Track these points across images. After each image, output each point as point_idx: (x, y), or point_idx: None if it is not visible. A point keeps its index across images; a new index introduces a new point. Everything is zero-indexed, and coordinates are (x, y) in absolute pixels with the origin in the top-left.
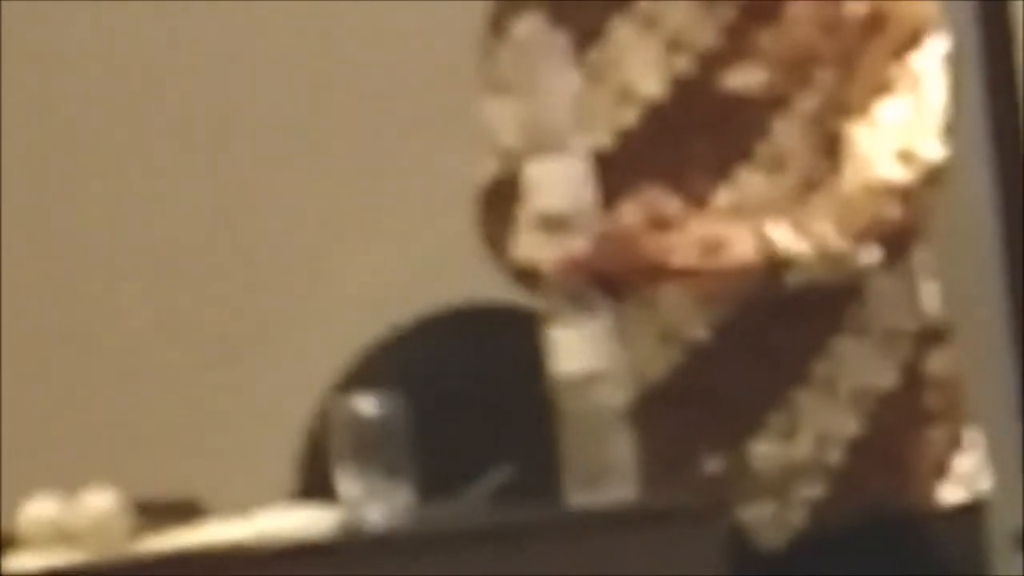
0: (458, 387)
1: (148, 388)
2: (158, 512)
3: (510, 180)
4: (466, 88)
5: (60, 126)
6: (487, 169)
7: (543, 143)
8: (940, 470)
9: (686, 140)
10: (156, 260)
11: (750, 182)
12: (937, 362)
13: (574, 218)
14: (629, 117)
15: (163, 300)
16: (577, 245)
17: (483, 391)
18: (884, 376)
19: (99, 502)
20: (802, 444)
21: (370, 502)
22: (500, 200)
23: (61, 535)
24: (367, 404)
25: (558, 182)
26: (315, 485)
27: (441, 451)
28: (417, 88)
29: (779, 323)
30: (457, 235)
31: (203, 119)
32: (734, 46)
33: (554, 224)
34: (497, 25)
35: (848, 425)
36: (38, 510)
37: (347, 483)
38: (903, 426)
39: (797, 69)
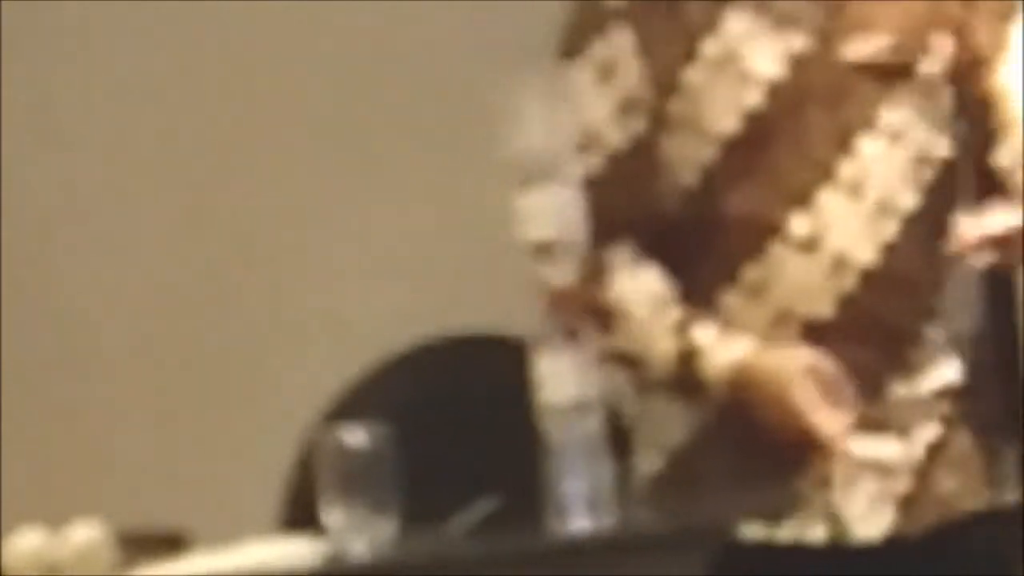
0: (443, 417)
1: (133, 420)
2: (143, 544)
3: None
4: (462, 120)
5: (52, 163)
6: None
7: (535, 173)
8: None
9: (808, 113)
10: (143, 293)
11: (871, 153)
12: None
13: (562, 248)
14: (753, 99)
15: (149, 332)
16: (566, 277)
17: (468, 421)
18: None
19: (84, 534)
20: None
21: (355, 533)
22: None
23: (46, 567)
24: (353, 435)
25: (548, 212)
26: (302, 516)
27: (427, 481)
28: (413, 121)
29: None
30: (445, 266)
31: (193, 147)
32: (846, 19)
33: (544, 254)
34: (574, 44)
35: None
36: (24, 543)
37: (333, 514)
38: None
39: (916, 37)
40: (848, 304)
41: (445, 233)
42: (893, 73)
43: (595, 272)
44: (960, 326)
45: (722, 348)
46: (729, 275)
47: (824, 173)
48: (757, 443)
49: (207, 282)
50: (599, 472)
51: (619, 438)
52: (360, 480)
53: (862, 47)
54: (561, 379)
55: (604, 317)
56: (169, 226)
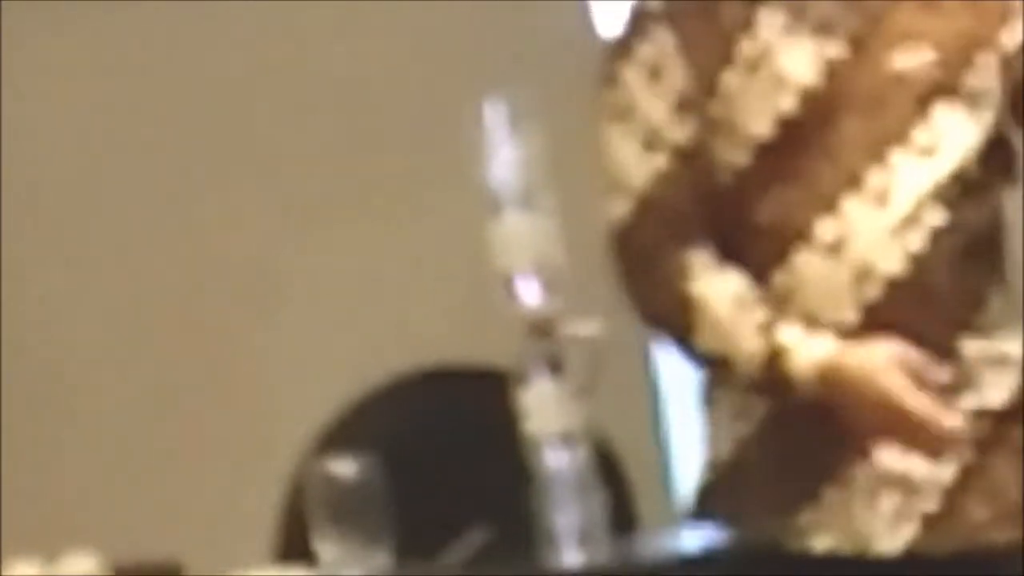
0: (433, 449)
1: (125, 452)
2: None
3: (645, 227)
4: (441, 152)
5: (42, 209)
6: (620, 210)
7: (507, 202)
8: None
9: (842, 121)
10: (135, 327)
11: (904, 165)
12: None
13: (544, 275)
14: (788, 104)
15: (141, 367)
16: (543, 305)
17: (458, 453)
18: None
19: (79, 565)
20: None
21: (348, 564)
22: (641, 252)
23: None
24: (344, 467)
25: (523, 241)
26: (295, 548)
27: (417, 513)
28: (392, 155)
29: None
30: (432, 297)
31: (176, 184)
32: (887, 29)
33: (520, 282)
34: (622, 49)
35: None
36: (19, 573)
37: (325, 545)
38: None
39: (960, 52)
40: (873, 312)
41: (431, 264)
42: (935, 87)
43: (679, 272)
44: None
45: (809, 346)
46: (760, 281)
47: (852, 181)
48: (796, 460)
49: (196, 317)
50: (589, 503)
51: (610, 467)
52: (351, 511)
53: (905, 58)
54: (546, 410)
55: (688, 316)
56: (157, 263)
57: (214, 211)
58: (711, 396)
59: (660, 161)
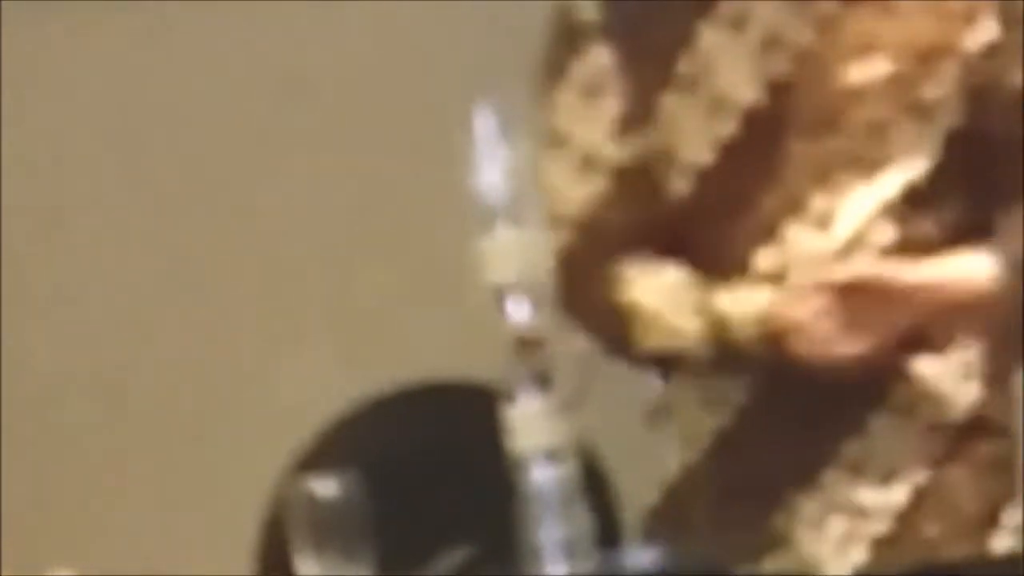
0: (417, 466)
1: (105, 475)
2: None
3: (586, 252)
4: (426, 162)
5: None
6: (559, 239)
7: (494, 215)
8: (993, 520)
9: (786, 143)
10: (115, 347)
11: (850, 186)
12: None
13: (529, 290)
14: (726, 127)
15: (121, 384)
16: (530, 320)
17: (441, 470)
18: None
19: None
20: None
21: None
22: (585, 277)
23: None
24: (324, 486)
25: (511, 255)
26: (275, 568)
27: (401, 531)
28: (378, 165)
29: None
30: (413, 313)
31: (157, 204)
32: (840, 39)
33: (507, 297)
34: (554, 68)
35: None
36: None
37: (305, 566)
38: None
39: (919, 61)
40: None
41: (415, 280)
42: (890, 102)
43: (613, 286)
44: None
45: (743, 305)
46: None
47: (794, 207)
48: (743, 486)
49: (175, 336)
50: (575, 518)
51: (598, 483)
52: (332, 530)
53: (860, 71)
54: (532, 425)
55: (627, 325)
56: (136, 278)
57: (195, 225)
58: (661, 417)
59: (597, 184)
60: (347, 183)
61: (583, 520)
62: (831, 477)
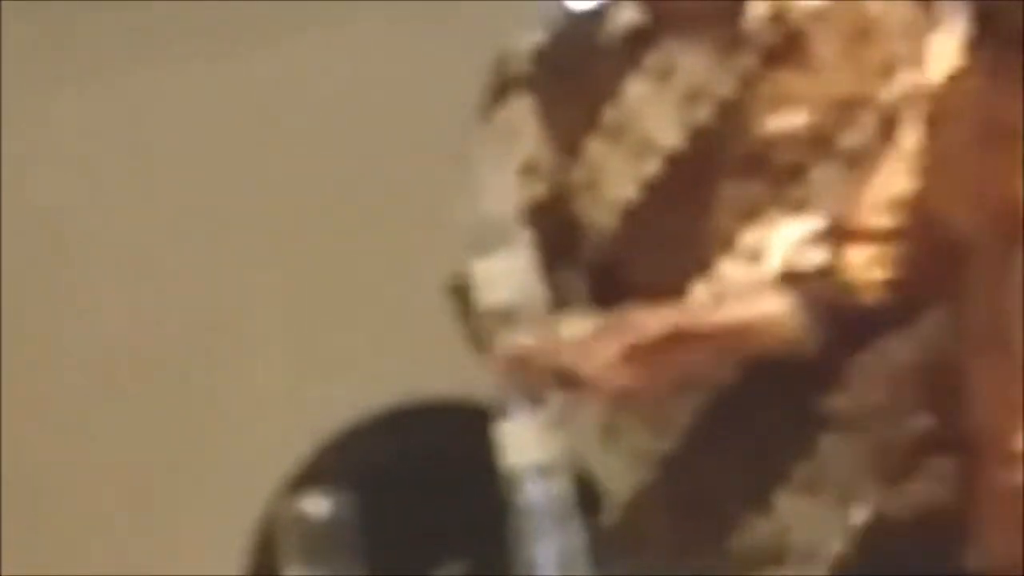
0: (408, 484)
1: (97, 490)
2: None
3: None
4: (418, 185)
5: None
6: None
7: (486, 239)
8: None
9: (712, 183)
10: (106, 363)
11: (778, 222)
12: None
13: (521, 312)
14: (651, 167)
15: (112, 405)
16: (525, 341)
17: (433, 487)
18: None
19: None
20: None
21: None
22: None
23: None
24: (315, 504)
25: (503, 277)
26: None
27: (392, 549)
28: (372, 187)
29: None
30: (406, 332)
31: (148, 231)
32: (761, 92)
33: (502, 319)
34: (483, 116)
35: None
36: None
37: None
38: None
39: (837, 113)
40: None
41: (405, 298)
42: (809, 150)
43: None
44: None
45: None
46: None
47: (725, 243)
48: (695, 501)
49: (167, 354)
50: (568, 535)
51: (591, 499)
52: (323, 549)
53: (778, 122)
54: (525, 442)
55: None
56: (133, 298)
57: (193, 244)
58: (609, 436)
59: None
60: (341, 204)
61: (576, 536)
62: (783, 499)
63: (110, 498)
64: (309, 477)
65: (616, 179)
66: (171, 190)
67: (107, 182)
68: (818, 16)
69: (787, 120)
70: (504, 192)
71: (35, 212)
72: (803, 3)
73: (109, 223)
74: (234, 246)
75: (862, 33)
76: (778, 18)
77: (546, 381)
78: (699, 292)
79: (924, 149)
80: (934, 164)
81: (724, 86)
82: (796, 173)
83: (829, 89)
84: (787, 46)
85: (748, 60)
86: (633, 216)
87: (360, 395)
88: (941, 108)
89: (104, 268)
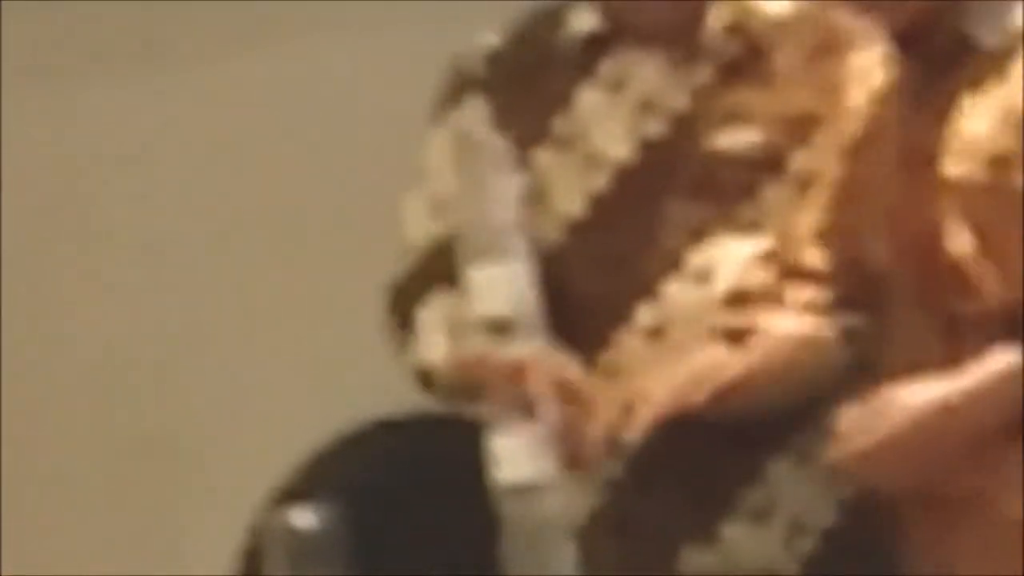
0: (396, 497)
1: (80, 504)
2: None
3: (419, 275)
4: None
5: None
6: (404, 267)
7: (483, 248)
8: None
9: (661, 202)
10: (89, 380)
11: (726, 243)
12: None
13: (517, 322)
14: (599, 182)
15: (97, 418)
16: (521, 351)
17: (423, 501)
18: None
19: None
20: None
21: None
22: (403, 304)
23: None
24: (303, 517)
25: (500, 287)
26: None
27: (380, 563)
28: (366, 190)
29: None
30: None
31: (135, 240)
32: (715, 107)
33: (497, 329)
34: (437, 115)
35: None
36: None
37: None
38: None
39: (791, 132)
40: None
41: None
42: (760, 168)
43: None
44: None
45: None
46: (586, 357)
47: (673, 264)
48: (641, 529)
49: (154, 369)
50: (559, 553)
51: None
52: (310, 562)
53: (730, 139)
54: (515, 458)
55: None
56: (117, 314)
57: (176, 263)
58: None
59: (439, 228)
60: (332, 218)
61: (568, 552)
62: (732, 527)
63: (98, 512)
64: (296, 489)
65: (564, 192)
66: (161, 198)
67: (102, 186)
68: (780, 28)
69: (739, 137)
70: (500, 200)
71: (35, 211)
72: (765, 13)
73: (102, 233)
74: (225, 256)
75: (824, 48)
76: (738, 29)
77: (542, 395)
78: (644, 315)
79: (844, 176)
80: (854, 192)
81: (678, 99)
82: (747, 193)
83: (785, 106)
84: (746, 59)
85: (704, 73)
86: (579, 231)
87: (349, 406)
88: (861, 133)
89: (96, 280)
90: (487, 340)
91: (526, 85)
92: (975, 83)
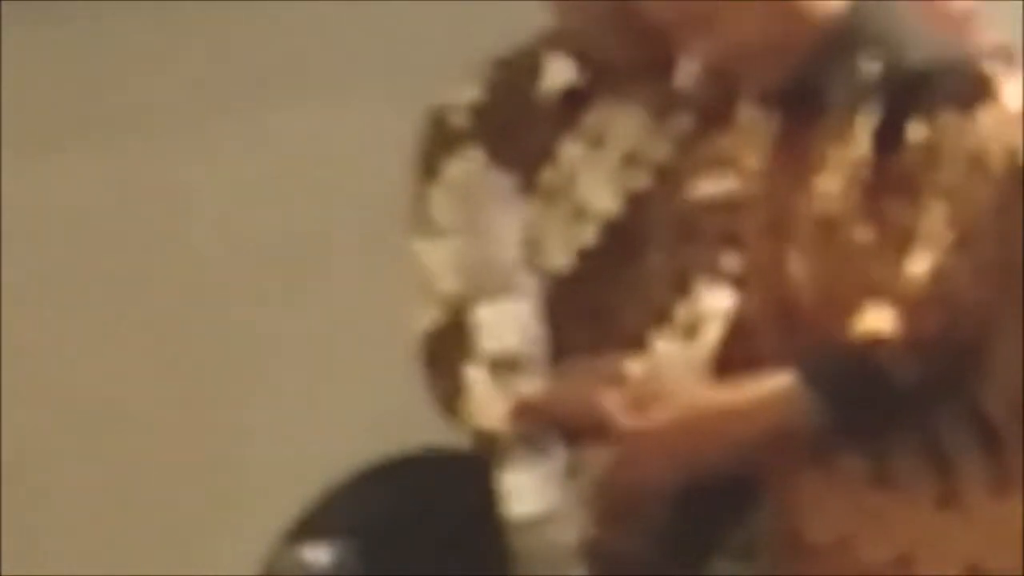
0: (409, 534)
1: (94, 536)
2: None
3: (454, 327)
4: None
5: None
6: (429, 317)
7: (490, 285)
8: None
9: (646, 254)
10: (102, 410)
11: (711, 294)
12: None
13: (525, 359)
14: (587, 235)
15: (109, 449)
16: (530, 388)
17: (435, 537)
18: None
19: None
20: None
21: None
22: (446, 350)
23: None
24: (316, 554)
25: (507, 324)
26: None
27: None
28: (376, 226)
29: None
30: (407, 382)
31: (146, 278)
32: (695, 156)
33: (505, 366)
34: (429, 167)
35: None
36: None
37: None
38: None
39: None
40: None
41: (405, 345)
42: (743, 214)
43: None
44: None
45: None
46: None
47: (660, 317)
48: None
49: (168, 401)
50: None
51: None
52: None
53: (711, 185)
54: (527, 491)
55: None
56: (128, 360)
57: (186, 313)
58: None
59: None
60: (340, 253)
61: None
62: (717, 567)
63: (111, 548)
64: (310, 525)
65: (552, 245)
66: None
67: (102, 238)
68: None
69: (719, 184)
70: (504, 238)
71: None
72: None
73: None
74: (241, 294)
75: None
76: (712, 75)
77: (551, 430)
78: (635, 369)
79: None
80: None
81: (660, 150)
82: (728, 241)
83: (758, 158)
84: (722, 105)
85: (684, 122)
86: (567, 284)
87: (362, 444)
88: (743, 193)
89: (96, 333)
90: (493, 376)
91: (510, 137)
92: (827, 139)
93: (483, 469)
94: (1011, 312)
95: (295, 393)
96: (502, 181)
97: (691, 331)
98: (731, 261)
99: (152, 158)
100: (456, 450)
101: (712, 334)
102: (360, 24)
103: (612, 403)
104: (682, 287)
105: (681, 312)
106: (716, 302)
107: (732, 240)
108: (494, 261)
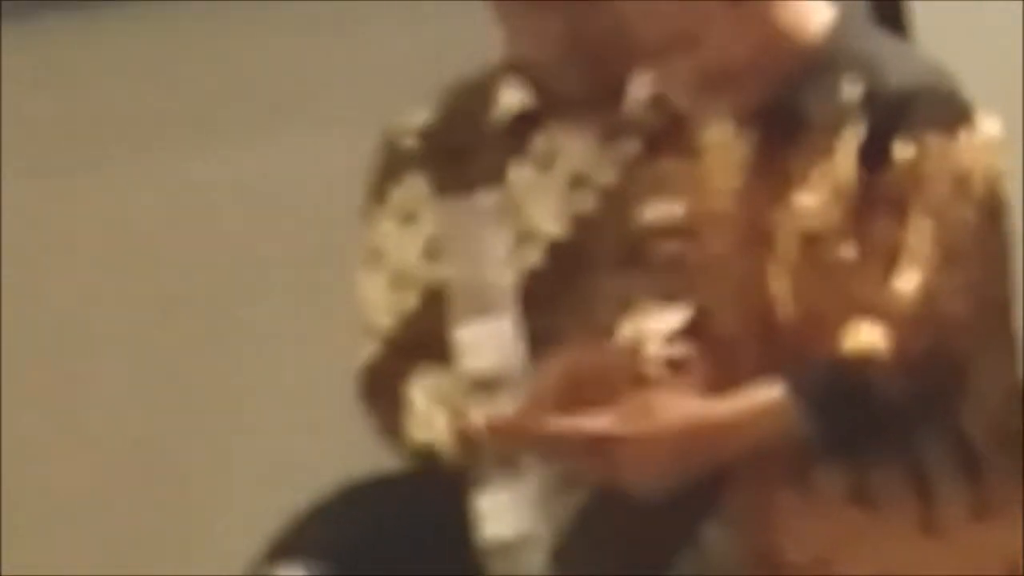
0: (386, 555)
1: (75, 554)
2: None
3: (391, 360)
4: None
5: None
6: (367, 351)
7: (470, 306)
8: None
9: (590, 276)
10: (89, 439)
11: (654, 314)
12: None
13: (505, 379)
14: (533, 257)
15: (89, 467)
16: (507, 408)
17: (410, 558)
18: None
19: None
20: None
21: None
22: (386, 381)
23: None
24: (292, 573)
25: (488, 343)
26: None
27: None
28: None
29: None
30: None
31: (125, 304)
32: (641, 180)
33: (485, 386)
34: (377, 192)
35: None
36: None
37: None
38: None
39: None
40: None
41: None
42: (683, 239)
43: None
44: None
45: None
46: None
47: (604, 336)
48: None
49: (152, 419)
50: None
51: None
52: None
53: (656, 211)
54: (501, 513)
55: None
56: (111, 380)
57: (166, 332)
58: None
59: (409, 300)
60: (327, 270)
61: None
62: None
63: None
64: (285, 546)
65: (497, 268)
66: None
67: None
68: None
69: (664, 209)
70: (489, 259)
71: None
72: None
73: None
74: (228, 308)
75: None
76: (659, 103)
77: (528, 452)
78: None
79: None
80: (706, 267)
81: (606, 174)
82: (673, 266)
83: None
84: (669, 131)
85: (631, 146)
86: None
87: (337, 464)
88: (713, 210)
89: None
90: (474, 396)
91: (459, 161)
92: (808, 157)
93: (457, 492)
94: (992, 337)
95: (274, 412)
96: (486, 202)
97: (633, 351)
98: (677, 284)
99: (135, 182)
100: (430, 473)
101: (655, 350)
102: (306, 57)
103: (602, 420)
104: (626, 308)
105: (624, 330)
106: (658, 325)
107: (678, 265)
108: (472, 282)
